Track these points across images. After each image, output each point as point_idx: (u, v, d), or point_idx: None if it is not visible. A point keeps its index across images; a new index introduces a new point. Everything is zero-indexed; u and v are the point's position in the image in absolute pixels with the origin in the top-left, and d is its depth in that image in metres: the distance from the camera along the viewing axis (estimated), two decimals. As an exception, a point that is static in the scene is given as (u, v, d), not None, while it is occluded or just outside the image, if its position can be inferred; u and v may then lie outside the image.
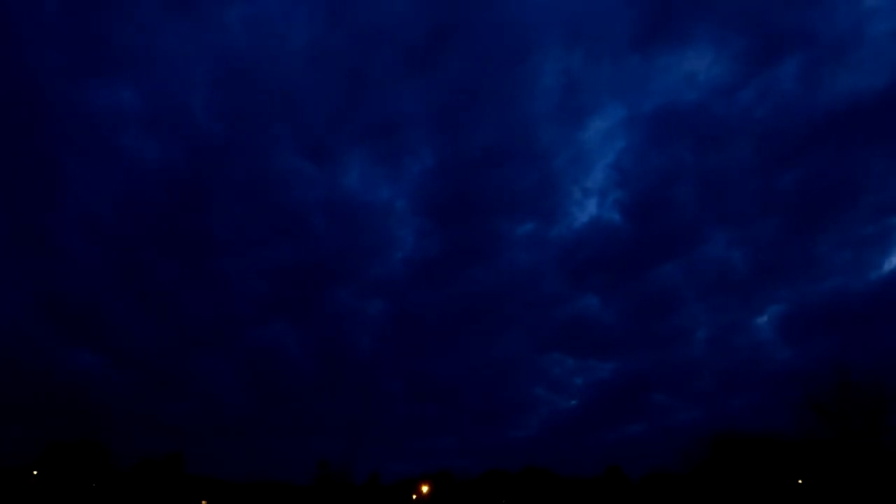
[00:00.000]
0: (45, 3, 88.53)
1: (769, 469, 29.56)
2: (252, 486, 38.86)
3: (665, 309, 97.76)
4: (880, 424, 22.79)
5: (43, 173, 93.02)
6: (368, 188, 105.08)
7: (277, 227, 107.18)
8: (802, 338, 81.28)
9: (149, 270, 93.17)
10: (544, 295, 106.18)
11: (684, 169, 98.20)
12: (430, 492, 32.23)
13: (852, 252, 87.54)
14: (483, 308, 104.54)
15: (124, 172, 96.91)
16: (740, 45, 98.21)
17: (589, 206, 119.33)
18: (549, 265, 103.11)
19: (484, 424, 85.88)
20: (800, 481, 26.24)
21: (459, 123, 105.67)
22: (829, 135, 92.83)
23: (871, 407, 22.89)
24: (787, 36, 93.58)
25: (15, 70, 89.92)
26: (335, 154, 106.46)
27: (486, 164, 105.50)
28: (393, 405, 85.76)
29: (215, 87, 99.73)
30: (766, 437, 30.02)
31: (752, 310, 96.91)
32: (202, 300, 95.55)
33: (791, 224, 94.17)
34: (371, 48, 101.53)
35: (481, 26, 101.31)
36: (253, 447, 62.29)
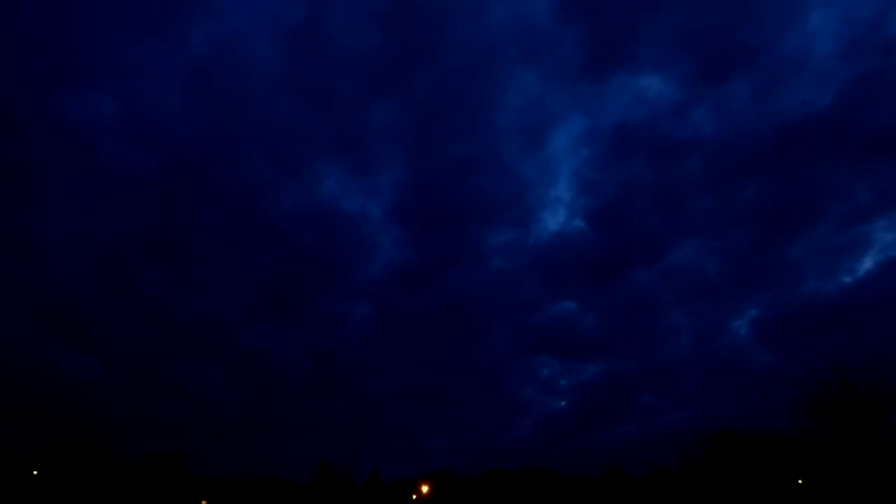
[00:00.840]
0: (23, 15, 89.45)
1: (768, 468, 29.64)
2: (252, 485, 38.86)
3: (643, 313, 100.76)
4: (878, 423, 22.87)
5: (26, 182, 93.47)
6: (344, 198, 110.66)
7: (259, 234, 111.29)
8: (779, 341, 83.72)
9: (135, 277, 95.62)
10: (523, 300, 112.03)
11: (643, 181, 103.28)
12: (430, 491, 32.27)
13: (823, 259, 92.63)
14: (465, 313, 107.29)
15: (106, 181, 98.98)
16: (690, 65, 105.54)
17: (558, 214, 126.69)
18: (525, 271, 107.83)
19: (476, 425, 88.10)
20: (799, 481, 26.30)
21: (428, 138, 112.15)
22: (783, 150, 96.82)
23: (868, 406, 23.03)
24: (736, 56, 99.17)
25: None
26: (309, 166, 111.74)
27: (456, 176, 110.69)
28: (385, 406, 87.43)
29: (191, 99, 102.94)
30: (765, 436, 30.18)
31: (728, 314, 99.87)
32: (189, 304, 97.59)
33: (760, 234, 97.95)
34: (340, 68, 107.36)
35: (445, 48, 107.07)
36: (248, 448, 62.55)
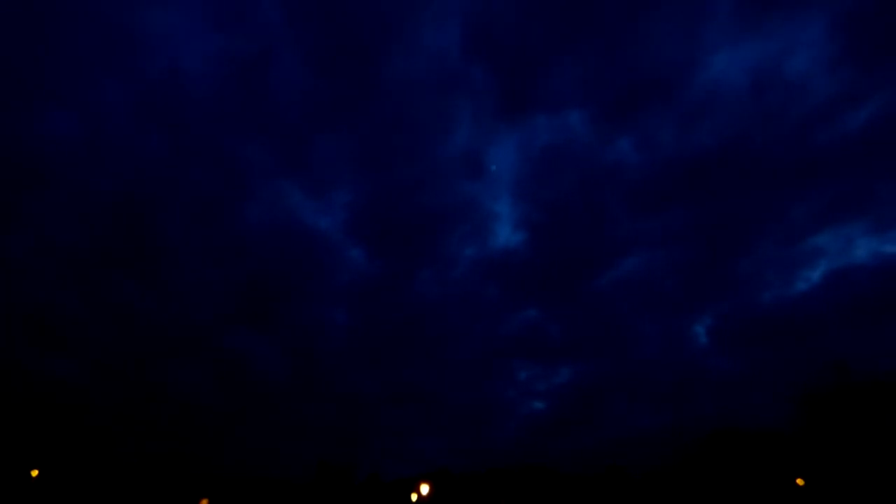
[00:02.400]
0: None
1: (767, 465, 29.57)
2: (253, 483, 38.94)
3: (604, 321, 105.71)
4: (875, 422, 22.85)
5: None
6: (303, 215, 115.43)
7: (227, 248, 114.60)
8: (735, 348, 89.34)
9: (111, 288, 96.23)
10: (488, 307, 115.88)
11: (577, 201, 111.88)
12: (430, 491, 32.20)
13: (770, 272, 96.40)
14: (434, 320, 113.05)
15: (76, 199, 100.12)
16: (608, 98, 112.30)
17: (505, 229, 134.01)
18: (485, 281, 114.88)
19: (464, 426, 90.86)
20: (798, 480, 26.26)
21: (375, 163, 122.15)
22: (709, 176, 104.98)
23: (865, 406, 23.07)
24: (654, 90, 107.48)
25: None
26: (263, 188, 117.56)
27: (406, 195, 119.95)
28: (371, 408, 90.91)
29: (149, 125, 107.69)
30: (763, 433, 30.19)
31: (686, 323, 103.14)
32: (164, 313, 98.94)
33: (706, 250, 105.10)
34: (287, 100, 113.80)
35: (385, 82, 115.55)
36: (238, 450, 62.88)
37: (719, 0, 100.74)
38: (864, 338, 69.49)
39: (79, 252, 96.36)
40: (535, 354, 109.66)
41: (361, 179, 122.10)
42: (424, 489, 32.14)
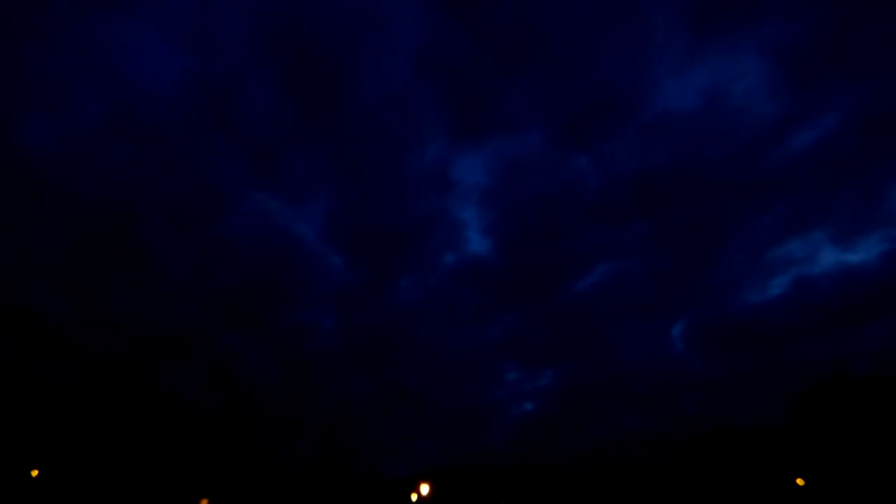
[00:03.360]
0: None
1: (762, 462, 29.68)
2: (254, 482, 38.94)
3: (584, 325, 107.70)
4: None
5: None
6: (282, 225, 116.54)
7: (211, 255, 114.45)
8: (712, 351, 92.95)
9: (97, 295, 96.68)
10: (470, 311, 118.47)
11: (543, 212, 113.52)
12: (431, 490, 32.15)
13: (740, 281, 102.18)
14: (420, 324, 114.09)
15: (59, 208, 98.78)
16: (565, 121, 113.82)
17: (477, 238, 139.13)
18: (464, 287, 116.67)
19: (457, 427, 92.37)
20: (798, 480, 26.25)
21: (347, 177, 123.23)
22: (674, 190, 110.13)
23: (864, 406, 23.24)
24: (609, 112, 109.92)
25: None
26: (241, 200, 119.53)
27: (381, 205, 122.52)
28: (364, 410, 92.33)
29: (126, 142, 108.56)
30: (760, 431, 30.42)
31: (664, 328, 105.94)
32: (153, 318, 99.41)
33: (679, 259, 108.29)
34: (259, 120, 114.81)
35: (349, 103, 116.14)
36: (232, 452, 63.01)
37: (670, 28, 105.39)
38: (833, 341, 73.71)
39: (64, 259, 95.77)
40: (520, 357, 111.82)
41: (335, 192, 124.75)
42: (424, 489, 32.11)
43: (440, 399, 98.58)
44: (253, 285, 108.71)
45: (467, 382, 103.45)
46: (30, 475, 30.64)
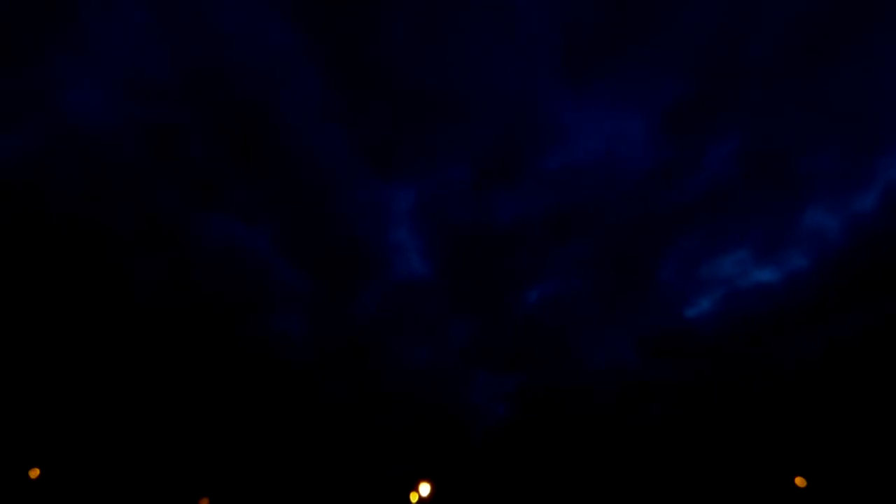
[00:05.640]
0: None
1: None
2: (252, 483, 38.91)
3: (541, 335, 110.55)
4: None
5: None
6: (238, 244, 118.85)
7: (181, 270, 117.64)
8: (658, 361, 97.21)
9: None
10: (429, 320, 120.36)
11: (476, 238, 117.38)
12: (432, 489, 32.13)
13: (677, 295, 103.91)
14: (386, 333, 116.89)
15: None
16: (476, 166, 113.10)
17: (415, 258, 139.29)
18: (418, 298, 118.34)
19: (439, 430, 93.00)
20: (798, 480, 26.34)
21: (286, 202, 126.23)
22: (588, 224, 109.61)
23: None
24: (518, 159, 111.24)
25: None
26: (197, 225, 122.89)
27: (327, 229, 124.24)
28: (349, 415, 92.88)
29: (80, 171, 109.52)
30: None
31: (617, 338, 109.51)
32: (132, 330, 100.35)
33: (616, 278, 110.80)
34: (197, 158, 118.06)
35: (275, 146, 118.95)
36: (238, 450, 63.19)
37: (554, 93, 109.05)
38: (763, 353, 77.14)
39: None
40: (486, 363, 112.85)
41: (281, 218, 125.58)
42: (424, 489, 32.08)
43: (413, 404, 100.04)
44: (220, 298, 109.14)
45: (438, 388, 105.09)
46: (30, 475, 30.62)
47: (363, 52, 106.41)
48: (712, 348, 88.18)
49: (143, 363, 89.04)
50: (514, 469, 41.79)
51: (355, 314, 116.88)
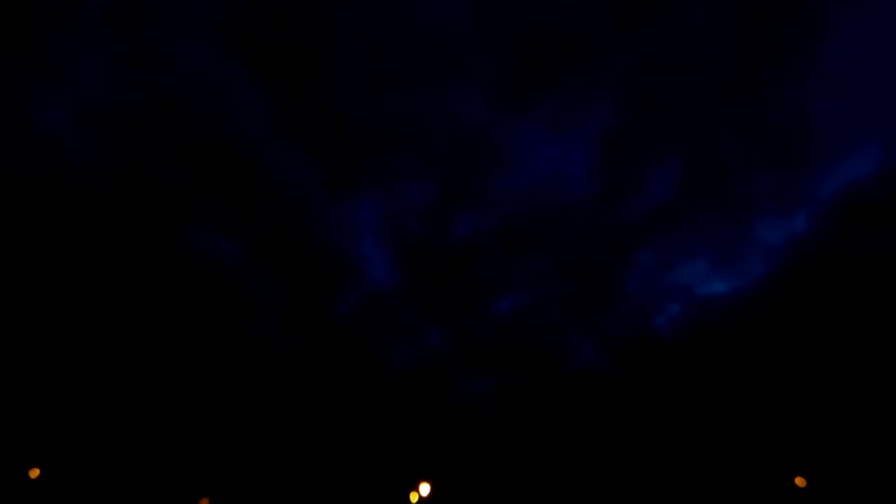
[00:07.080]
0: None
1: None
2: (252, 483, 39.25)
3: (515, 341, 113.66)
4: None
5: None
6: (211, 253, 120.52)
7: (160, 280, 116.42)
8: (626, 369, 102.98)
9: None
10: (402, 327, 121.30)
11: (439, 251, 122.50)
12: (432, 489, 33.57)
13: (643, 306, 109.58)
14: (366, 336, 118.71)
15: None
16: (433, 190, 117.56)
17: (380, 269, 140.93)
18: (391, 307, 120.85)
19: (420, 432, 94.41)
20: (798, 480, 28.96)
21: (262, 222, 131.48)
22: (542, 241, 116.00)
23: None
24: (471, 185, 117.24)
25: None
26: (174, 242, 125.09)
27: (296, 244, 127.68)
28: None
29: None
30: None
31: (590, 343, 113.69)
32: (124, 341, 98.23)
33: (581, 289, 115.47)
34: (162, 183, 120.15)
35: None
36: (237, 449, 62.56)
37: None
38: (729, 355, 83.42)
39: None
40: (465, 366, 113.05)
41: (251, 234, 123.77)
42: (425, 489, 33.55)
43: (392, 407, 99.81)
44: (198, 306, 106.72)
45: (420, 392, 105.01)
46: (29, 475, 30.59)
47: (318, 88, 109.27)
48: (676, 352, 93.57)
49: (143, 363, 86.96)
50: (500, 466, 43.41)
51: (332, 323, 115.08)
